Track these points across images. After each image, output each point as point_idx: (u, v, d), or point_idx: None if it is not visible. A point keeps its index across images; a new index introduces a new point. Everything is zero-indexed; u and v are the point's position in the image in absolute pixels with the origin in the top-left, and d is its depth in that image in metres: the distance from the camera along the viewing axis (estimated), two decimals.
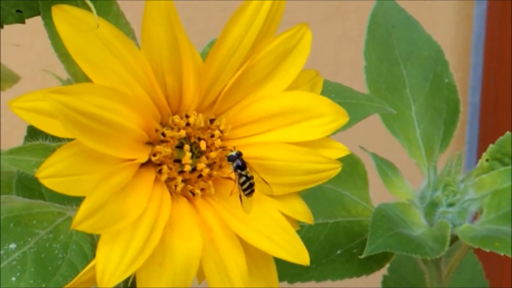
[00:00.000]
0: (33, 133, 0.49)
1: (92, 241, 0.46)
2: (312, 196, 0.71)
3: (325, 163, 0.46)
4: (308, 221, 0.46)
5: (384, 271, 0.89)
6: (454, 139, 0.76)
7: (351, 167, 0.73)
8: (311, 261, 0.69)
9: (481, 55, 1.47)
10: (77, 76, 0.44)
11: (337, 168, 0.46)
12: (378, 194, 0.75)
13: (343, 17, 1.37)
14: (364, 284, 0.83)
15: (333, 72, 1.37)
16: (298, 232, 0.47)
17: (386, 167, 0.74)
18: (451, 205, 0.72)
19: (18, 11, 0.46)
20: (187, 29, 0.42)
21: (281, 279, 0.68)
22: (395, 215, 0.70)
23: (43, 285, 0.44)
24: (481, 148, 0.71)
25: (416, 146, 0.75)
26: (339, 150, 0.46)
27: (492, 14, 1.44)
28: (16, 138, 0.60)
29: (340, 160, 0.73)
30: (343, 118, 0.46)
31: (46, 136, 0.42)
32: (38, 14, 0.46)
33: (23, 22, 0.47)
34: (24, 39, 1.08)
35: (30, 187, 0.55)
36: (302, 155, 0.45)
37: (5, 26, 0.48)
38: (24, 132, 0.58)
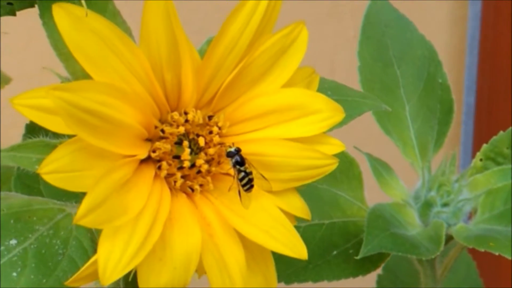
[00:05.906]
0: (31, 130, 0.49)
1: (92, 236, 0.46)
2: (307, 196, 0.71)
3: (322, 158, 0.46)
4: (306, 217, 0.47)
5: (379, 270, 0.90)
6: (449, 139, 0.76)
7: (346, 167, 0.73)
8: (308, 262, 0.70)
9: (475, 56, 1.47)
10: (76, 75, 0.45)
11: (333, 164, 0.46)
12: (373, 194, 0.75)
13: (338, 18, 1.38)
14: (359, 283, 0.84)
15: (328, 72, 1.36)
16: None
17: (380, 168, 0.74)
18: (445, 205, 0.72)
19: (9, 3, 0.46)
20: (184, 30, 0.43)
21: (278, 279, 0.69)
22: (390, 216, 0.70)
23: (44, 281, 0.44)
24: (476, 148, 0.71)
25: (410, 146, 0.75)
26: (336, 146, 0.47)
27: (486, 15, 1.45)
28: (12, 138, 0.60)
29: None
30: (339, 115, 0.46)
31: (46, 133, 0.43)
32: (29, 6, 0.46)
33: (14, 15, 0.47)
34: (20, 40, 1.09)
35: (29, 184, 0.55)
36: (299, 151, 0.46)
37: (2, 28, 0.48)
38: (21, 131, 0.58)
